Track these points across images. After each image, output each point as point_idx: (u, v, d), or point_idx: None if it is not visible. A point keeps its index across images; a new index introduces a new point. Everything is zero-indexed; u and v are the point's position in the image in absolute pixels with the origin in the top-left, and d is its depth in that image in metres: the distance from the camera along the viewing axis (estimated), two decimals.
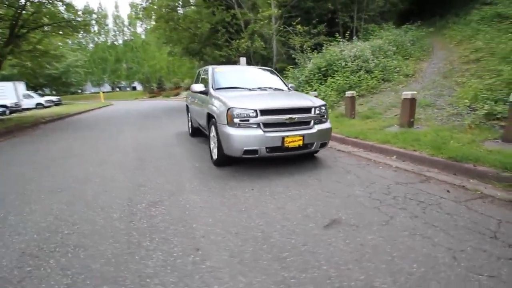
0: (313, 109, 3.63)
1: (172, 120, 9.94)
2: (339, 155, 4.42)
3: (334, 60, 10.45)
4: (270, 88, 4.57)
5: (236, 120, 3.32)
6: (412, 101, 5.24)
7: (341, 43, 12.20)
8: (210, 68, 4.87)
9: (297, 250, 1.86)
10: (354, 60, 10.26)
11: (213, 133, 4.00)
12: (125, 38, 38.43)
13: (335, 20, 16.02)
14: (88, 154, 4.85)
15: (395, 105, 7.34)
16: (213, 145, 4.03)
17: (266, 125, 3.36)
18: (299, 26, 12.67)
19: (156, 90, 38.34)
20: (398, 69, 10.15)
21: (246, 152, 3.29)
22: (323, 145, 3.74)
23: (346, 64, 10.07)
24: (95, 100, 30.23)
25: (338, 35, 12.13)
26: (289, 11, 14.32)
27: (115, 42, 42.90)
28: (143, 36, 40.77)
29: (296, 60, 12.51)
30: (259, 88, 4.48)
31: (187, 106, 6.54)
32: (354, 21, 15.65)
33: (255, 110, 3.33)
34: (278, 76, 5.19)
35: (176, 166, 3.93)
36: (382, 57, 10.81)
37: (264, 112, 3.35)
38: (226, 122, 3.37)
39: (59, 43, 14.24)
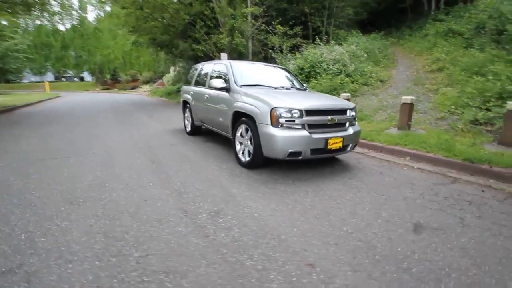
0: (348, 111, 3.63)
1: (151, 117, 9.16)
2: (355, 156, 4.51)
3: (316, 62, 10.73)
4: (292, 87, 4.46)
5: (281, 121, 3.15)
6: (410, 106, 5.61)
7: (319, 46, 12.62)
8: (227, 62, 4.55)
9: (412, 258, 1.81)
10: (335, 63, 10.68)
11: (239, 133, 3.76)
12: (74, 23, 34.01)
13: (307, 23, 16.50)
14: (80, 154, 4.15)
15: (381, 108, 7.82)
16: (240, 146, 3.79)
17: (310, 126, 3.25)
18: (279, 26, 12.72)
19: (109, 82, 34.98)
20: (373, 74, 10.85)
21: (291, 154, 3.14)
22: (354, 147, 3.77)
23: (328, 67, 10.41)
24: (37, 90, 26.38)
25: (318, 39, 12.49)
26: (265, 10, 14.27)
27: (62, 27, 37.77)
28: (94, 22, 36.55)
29: (276, 60, 12.56)
30: (282, 87, 4.34)
31: (184, 102, 6.05)
32: (325, 26, 16.29)
33: (300, 110, 3.20)
34: (293, 75, 5.11)
35: (201, 169, 3.58)
36: (357, 62, 11.44)
37: (309, 112, 3.24)
38: (269, 123, 3.17)
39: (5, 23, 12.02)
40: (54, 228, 2.08)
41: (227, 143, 5.07)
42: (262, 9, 12.37)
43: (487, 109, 5.83)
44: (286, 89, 4.32)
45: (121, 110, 11.25)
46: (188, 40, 13.07)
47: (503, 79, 6.39)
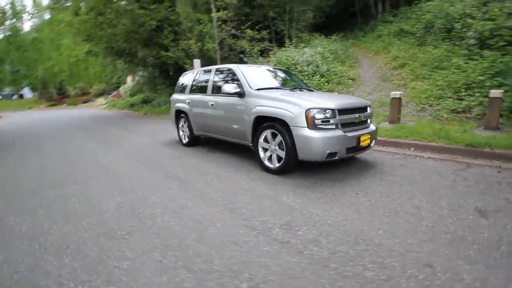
0: (368, 108, 3.71)
1: (129, 130, 8.44)
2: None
3: (291, 64, 10.96)
4: (302, 88, 4.44)
5: (317, 122, 3.08)
6: (399, 100, 5.99)
7: (289, 49, 12.95)
8: (234, 67, 4.36)
9: (504, 241, 1.87)
10: (308, 65, 11.02)
11: (262, 139, 3.61)
12: (9, 33, 29.49)
13: (271, 27, 16.81)
14: (78, 180, 3.56)
15: None
16: (264, 152, 3.64)
17: (343, 125, 3.24)
18: (248, 30, 12.74)
19: (56, 97, 31.45)
20: (344, 74, 11.43)
21: (329, 155, 3.10)
22: (375, 142, 3.87)
23: (302, 69, 10.69)
24: None
25: (289, 41, 12.77)
26: (233, 15, 14.23)
27: None
28: (33, 32, 32.31)
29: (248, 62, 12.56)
30: (295, 88, 4.30)
31: (177, 112, 5.66)
32: (288, 29, 16.76)
33: (333, 110, 3.17)
34: (296, 76, 5.10)
35: (230, 180, 3.34)
36: (327, 63, 11.96)
37: (340, 111, 3.23)
38: (305, 125, 3.08)
39: None
40: (116, 272, 1.72)
41: (234, 150, 4.85)
42: (231, 14, 12.27)
43: (460, 99, 6.50)
44: (300, 90, 4.28)
45: (89, 126, 10.18)
46: (154, 47, 12.38)
47: (466, 71, 7.18)
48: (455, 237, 1.95)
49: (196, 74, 5.30)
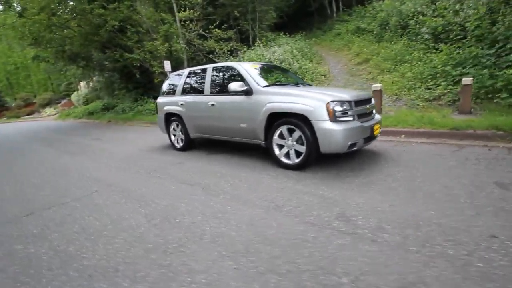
0: (372, 99, 3.90)
1: (103, 140, 7.73)
2: None
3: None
4: (303, 83, 4.49)
5: (338, 114, 3.15)
6: (380, 92, 6.40)
7: (259, 47, 13.05)
8: (236, 65, 4.25)
9: None
10: (281, 63, 11.21)
11: (276, 135, 3.59)
12: None
13: (236, 27, 16.77)
14: (75, 197, 3.16)
15: None
16: (279, 149, 3.61)
17: (358, 116, 3.36)
18: (216, 30, 12.54)
19: None
20: (315, 70, 11.85)
21: (350, 146, 3.19)
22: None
23: None
24: None
25: (258, 41, 12.84)
26: (193, 14, 13.86)
27: None
28: None
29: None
30: (297, 83, 4.34)
31: (168, 116, 5.34)
32: (251, 29, 16.84)
33: (350, 102, 3.27)
34: (291, 72, 5.15)
35: (255, 181, 3.24)
36: (297, 60, 12.30)
37: (356, 103, 3.34)
38: (326, 118, 3.13)
39: None
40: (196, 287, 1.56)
41: (235, 150, 4.75)
42: (197, 13, 11.94)
43: (428, 88, 7.16)
44: (303, 85, 4.33)
45: (52, 138, 9.12)
46: (116, 49, 11.52)
47: (429, 63, 7.94)
48: (497, 209, 2.14)
49: (188, 74, 5.05)
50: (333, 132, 3.10)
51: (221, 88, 4.38)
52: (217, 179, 3.42)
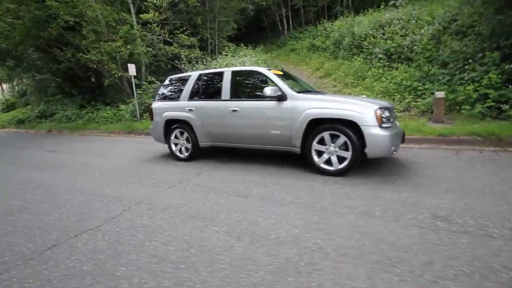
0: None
1: (74, 153, 6.48)
2: None
3: None
4: (316, 91, 4.60)
5: (384, 120, 3.30)
6: None
7: (226, 56, 12.97)
8: (261, 69, 4.10)
9: None
10: None
11: (315, 141, 3.56)
12: None
13: (197, 35, 16.37)
14: (124, 213, 2.55)
15: None
16: (318, 156, 3.58)
17: (392, 122, 3.57)
18: (183, 36, 12.01)
19: None
20: None
21: (393, 150, 3.35)
22: None
23: None
24: None
25: (222, 50, 12.72)
26: (157, 16, 13.11)
27: None
28: None
29: (185, 71, 11.82)
30: (316, 91, 4.42)
31: (169, 123, 4.81)
32: (212, 38, 16.67)
33: (390, 109, 3.47)
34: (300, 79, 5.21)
35: (303, 188, 3.12)
36: None
37: (390, 110, 3.55)
38: (375, 124, 3.23)
39: None
40: None
41: (252, 157, 4.53)
42: (164, 17, 11.25)
43: (394, 101, 8.10)
44: (321, 93, 4.42)
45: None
46: (68, 48, 9.97)
47: (391, 79, 9.01)
48: None
49: (197, 78, 4.65)
50: (382, 138, 3.21)
51: (245, 93, 4.16)
52: (264, 188, 3.18)
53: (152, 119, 5.11)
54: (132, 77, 9.63)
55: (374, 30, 12.66)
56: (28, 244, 2.22)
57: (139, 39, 10.67)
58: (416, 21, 11.46)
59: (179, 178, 3.76)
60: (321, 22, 18.94)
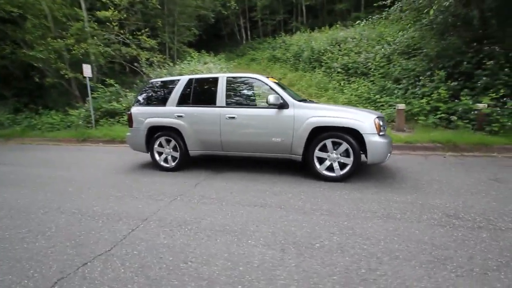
0: None
1: (15, 165, 5.43)
2: None
3: None
4: (305, 100, 4.75)
5: (382, 129, 3.55)
6: None
7: (191, 62, 12.62)
8: (259, 76, 4.08)
9: None
10: None
11: (317, 149, 3.67)
12: None
13: (155, 38, 15.59)
14: (161, 235, 2.20)
15: None
16: (320, 163, 3.68)
17: (385, 130, 3.87)
18: (144, 38, 11.31)
19: None
20: None
21: (388, 157, 3.63)
22: None
23: None
24: None
25: (192, 54, 12.36)
26: (116, 15, 12.17)
27: None
28: None
29: (150, 75, 11.11)
30: (308, 100, 4.56)
31: (153, 130, 4.42)
32: (171, 42, 16.08)
33: (383, 118, 3.75)
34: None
35: (319, 195, 3.15)
36: None
37: (383, 119, 3.84)
38: (375, 132, 3.45)
39: None
40: None
41: (238, 166, 4.43)
42: (123, 16, 10.45)
43: None
44: (314, 102, 4.57)
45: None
46: (6, 43, 8.52)
47: (352, 91, 9.81)
48: None
49: (187, 82, 4.38)
50: (381, 145, 3.45)
51: (243, 100, 4.08)
52: (276, 197, 3.12)
53: (130, 125, 4.63)
54: (88, 78, 8.67)
55: (331, 46, 13.70)
56: (25, 282, 1.77)
57: (95, 37, 9.67)
58: (367, 41, 12.76)
59: (177, 190, 3.46)
60: (280, 35, 19.77)
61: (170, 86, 4.49)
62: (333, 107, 3.87)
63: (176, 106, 4.33)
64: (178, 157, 4.35)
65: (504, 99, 5.83)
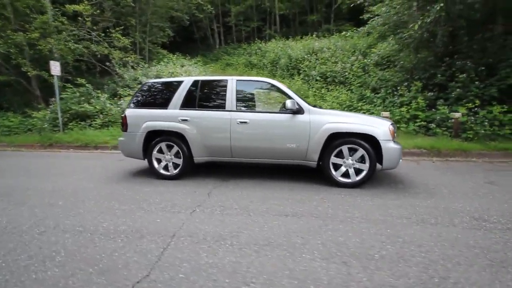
0: None
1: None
2: None
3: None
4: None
5: (395, 135, 3.65)
6: None
7: (168, 64, 12.13)
8: (273, 81, 3.98)
9: None
10: None
11: (333, 155, 3.65)
12: None
13: (127, 36, 14.71)
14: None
15: None
16: (335, 169, 3.66)
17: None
18: (118, 36, 10.57)
19: None
20: None
21: (399, 162, 3.74)
22: None
23: None
24: None
25: (170, 55, 11.86)
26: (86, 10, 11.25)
27: None
28: None
29: (123, 76, 10.38)
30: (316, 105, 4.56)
31: (155, 134, 4.05)
32: (144, 42, 15.31)
33: (394, 125, 3.87)
34: None
35: (348, 203, 3.11)
36: None
37: (394, 126, 3.96)
38: (390, 138, 3.54)
39: None
40: None
41: (254, 173, 4.26)
42: (97, 11, 9.65)
43: None
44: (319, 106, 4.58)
45: None
46: None
47: (333, 100, 10.14)
48: None
49: (192, 84, 4.10)
50: (395, 151, 3.53)
51: (255, 104, 3.92)
52: (302, 204, 3.00)
53: (124, 129, 4.19)
54: (55, 77, 7.80)
55: (308, 55, 14.11)
56: None
57: (63, 33, 8.76)
58: (342, 52, 13.39)
59: (190, 201, 3.16)
60: (255, 41, 19.90)
61: (172, 87, 4.17)
62: (346, 113, 3.90)
63: (180, 109, 4.02)
64: (181, 164, 4.03)
65: (476, 109, 6.43)
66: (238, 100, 3.91)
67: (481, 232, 2.34)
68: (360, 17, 9.01)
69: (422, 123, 7.14)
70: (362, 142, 3.53)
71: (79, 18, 9.26)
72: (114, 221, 2.61)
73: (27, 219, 2.70)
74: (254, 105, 3.98)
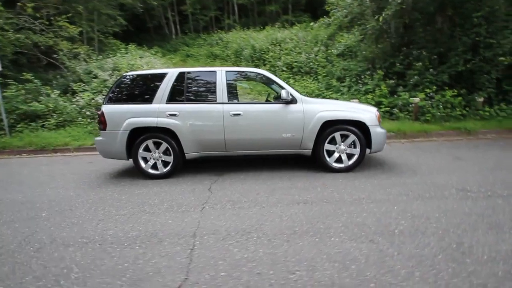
0: None
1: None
2: None
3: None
4: None
5: (381, 120, 3.91)
6: None
7: (126, 55, 11.27)
8: (262, 71, 3.91)
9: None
10: None
11: (326, 142, 3.81)
12: None
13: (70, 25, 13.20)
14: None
15: None
16: (329, 156, 3.82)
17: None
18: (67, 24, 9.45)
19: None
20: None
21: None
22: None
23: None
24: None
25: (133, 46, 10.98)
26: None
27: None
28: None
29: (68, 68, 9.38)
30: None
31: (140, 131, 3.76)
32: (90, 31, 13.92)
33: (378, 111, 4.14)
34: None
35: (349, 185, 3.27)
36: None
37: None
38: (377, 123, 3.79)
39: None
40: None
41: (244, 165, 4.24)
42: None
43: None
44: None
45: None
46: None
47: (302, 89, 10.42)
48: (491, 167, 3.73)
49: (177, 77, 3.85)
50: (383, 135, 3.80)
51: (247, 96, 3.83)
52: (308, 191, 3.09)
53: (103, 128, 3.81)
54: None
55: (272, 46, 14.21)
56: None
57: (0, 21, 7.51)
58: (305, 42, 13.75)
59: (194, 198, 3.04)
60: (215, 31, 19.38)
61: (155, 80, 3.89)
62: (334, 101, 4.06)
63: (167, 103, 3.77)
64: (171, 161, 3.82)
65: (432, 93, 7.17)
66: (229, 92, 3.81)
67: (470, 201, 2.66)
68: (323, 8, 9.31)
69: (386, 108, 7.73)
70: (353, 129, 3.72)
71: (18, 3, 8.01)
72: (120, 228, 2.39)
73: (11, 236, 2.33)
74: (246, 96, 3.91)
